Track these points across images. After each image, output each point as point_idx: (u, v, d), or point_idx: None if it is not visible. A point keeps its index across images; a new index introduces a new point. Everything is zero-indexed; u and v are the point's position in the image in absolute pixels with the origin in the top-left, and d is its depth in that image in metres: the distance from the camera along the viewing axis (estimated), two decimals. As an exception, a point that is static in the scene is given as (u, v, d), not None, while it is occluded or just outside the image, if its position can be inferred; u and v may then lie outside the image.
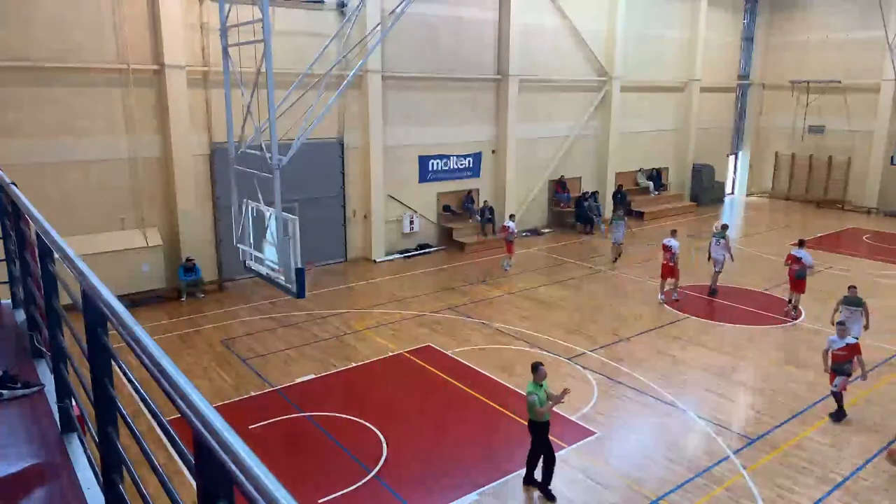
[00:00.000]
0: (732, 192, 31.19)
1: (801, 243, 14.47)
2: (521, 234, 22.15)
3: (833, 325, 10.64)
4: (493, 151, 21.42)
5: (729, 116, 30.12)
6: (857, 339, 10.33)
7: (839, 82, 27.07)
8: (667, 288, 15.42)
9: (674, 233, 15.60)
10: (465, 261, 19.12)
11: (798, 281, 14.18)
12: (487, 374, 11.23)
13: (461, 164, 20.74)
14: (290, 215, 10.96)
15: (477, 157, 21.06)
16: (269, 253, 11.57)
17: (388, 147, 18.78)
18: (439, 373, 11.32)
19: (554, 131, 22.89)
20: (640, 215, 25.08)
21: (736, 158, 31.32)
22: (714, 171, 28.59)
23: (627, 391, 10.72)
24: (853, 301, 11.49)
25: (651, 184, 26.41)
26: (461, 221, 20.80)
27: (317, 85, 12.28)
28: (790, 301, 14.41)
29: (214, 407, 1.37)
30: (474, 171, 21.12)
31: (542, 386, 7.82)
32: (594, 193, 23.48)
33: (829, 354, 9.84)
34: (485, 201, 20.98)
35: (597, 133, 24.37)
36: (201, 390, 1.46)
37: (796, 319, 14.13)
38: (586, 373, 11.36)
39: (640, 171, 26.51)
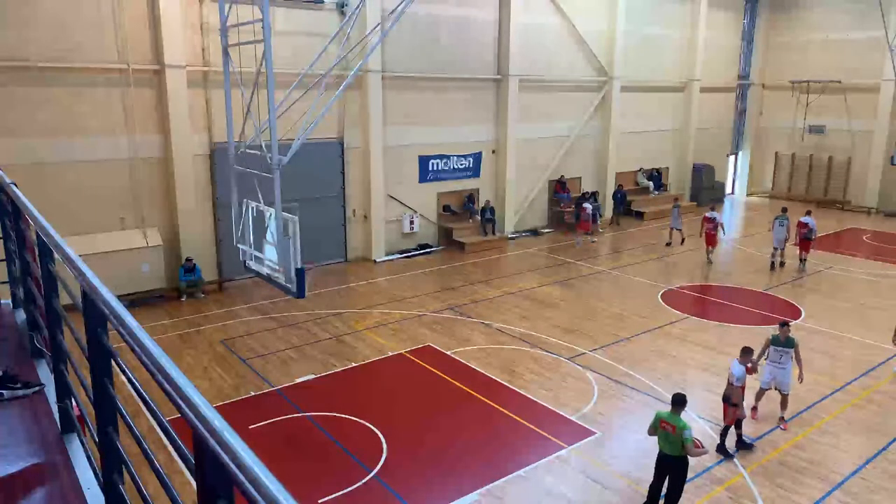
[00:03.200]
0: (733, 192, 31.20)
1: (808, 213, 18.69)
2: (523, 234, 22.16)
3: (751, 372, 8.98)
4: (494, 151, 21.43)
5: (729, 116, 30.12)
6: (784, 393, 9.37)
7: (839, 82, 27.07)
8: (708, 256, 19.00)
9: (713, 208, 19.60)
10: (466, 261, 19.13)
11: (805, 241, 18.12)
12: (488, 375, 11.23)
13: (461, 164, 20.74)
14: (290, 215, 10.96)
15: (477, 157, 21.07)
16: (269, 253, 11.57)
17: (388, 147, 18.78)
18: (439, 373, 11.32)
19: (554, 131, 22.89)
20: (639, 215, 25.08)
21: (736, 158, 31.33)
22: (714, 171, 28.60)
23: (628, 391, 10.72)
24: (783, 342, 9.50)
25: (651, 184, 26.41)
26: (461, 221, 20.80)
27: (317, 85, 12.28)
28: (800, 259, 18.28)
29: (214, 407, 1.37)
30: (474, 171, 21.13)
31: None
32: (594, 194, 23.46)
33: (739, 389, 8.71)
34: (487, 201, 20.99)
35: (597, 133, 24.36)
36: (201, 390, 1.46)
37: (804, 269, 17.96)
38: (586, 373, 11.37)
39: (640, 170, 26.51)
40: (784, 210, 19.04)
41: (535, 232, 22.63)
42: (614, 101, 24.06)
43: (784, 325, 9.61)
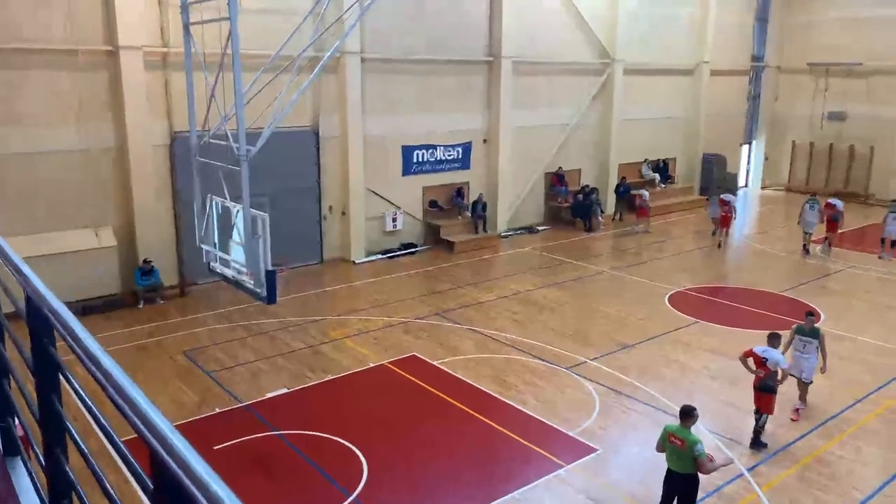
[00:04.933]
0: (746, 185, 31.50)
1: (836, 194, 21.75)
2: (517, 232, 22.24)
3: (790, 358, 10.12)
4: (485, 141, 21.49)
5: (742, 102, 30.41)
6: (806, 382, 10.20)
7: (860, 64, 27.42)
8: (720, 237, 20.90)
9: (729, 190, 22.80)
10: (454, 261, 19.17)
11: (832, 223, 19.83)
12: (479, 387, 11.27)
13: (449, 156, 20.77)
14: (259, 212, 10.92)
15: (466, 147, 21.11)
16: (237, 254, 11.52)
17: (368, 136, 18.77)
18: (426, 385, 11.34)
19: (551, 119, 22.98)
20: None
21: (749, 148, 31.63)
22: (726, 162, 28.86)
23: (632, 403, 10.79)
24: (808, 331, 10.36)
25: (657, 176, 26.59)
26: (449, 218, 20.84)
27: (289, 68, 12.25)
28: (827, 240, 20.02)
29: (175, 425, 1.37)
30: (463, 162, 21.16)
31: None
32: (593, 189, 23.58)
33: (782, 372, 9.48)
34: (480, 194, 21.04)
35: (598, 121, 24.49)
36: (161, 407, 1.46)
37: (830, 251, 19.72)
38: (587, 383, 11.43)
39: (645, 162, 26.69)
40: (813, 195, 21.30)
41: (530, 229, 22.72)
42: (617, 85, 24.20)
43: (810, 315, 10.66)
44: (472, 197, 21.20)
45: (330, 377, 11.70)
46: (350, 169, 18.52)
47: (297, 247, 17.99)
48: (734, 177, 29.53)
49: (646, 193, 23.00)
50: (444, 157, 20.67)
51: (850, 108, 28.26)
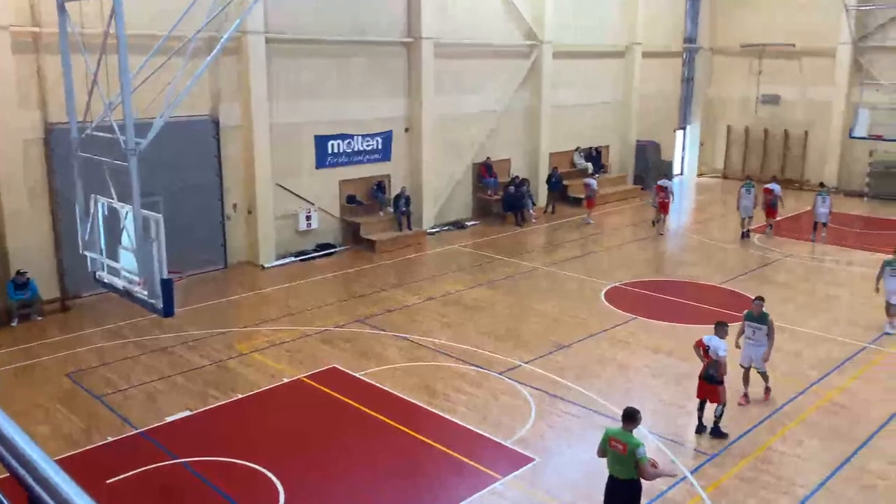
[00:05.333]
0: (681, 172, 32.80)
1: (774, 178, 23.25)
2: (444, 228, 22.39)
3: (738, 347, 10.94)
4: (407, 130, 21.55)
5: (675, 86, 31.64)
6: (761, 371, 10.92)
7: (794, 46, 29.01)
8: (659, 224, 22.29)
9: (665, 175, 24.18)
10: (377, 262, 19.15)
11: (771, 209, 21.58)
12: (406, 398, 11.29)
13: (368, 146, 20.70)
14: (152, 213, 10.54)
15: (387, 136, 21.09)
16: (127, 261, 11.08)
17: (275, 126, 18.47)
18: (347, 400, 11.28)
19: (477, 105, 23.25)
20: (577, 202, 25.88)
21: (684, 134, 32.93)
22: (660, 149, 29.96)
23: (571, 407, 11.04)
24: (757, 317, 11.01)
25: (590, 165, 27.29)
26: (370, 214, 20.78)
27: (183, 50, 11.87)
28: (769, 225, 21.76)
29: (58, 460, 1.31)
30: (384, 153, 21.14)
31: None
32: (524, 181, 23.99)
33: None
34: (402, 188, 21.05)
35: (527, 107, 24.94)
36: (41, 438, 1.39)
37: (772, 234, 21.47)
38: (521, 388, 11.62)
39: (577, 150, 27.37)
40: (749, 178, 22.79)
41: (458, 225, 22.93)
42: (546, 69, 24.71)
43: (758, 299, 11.14)
44: (395, 191, 21.20)
45: (238, 396, 11.46)
46: (256, 162, 18.16)
47: (198, 251, 17.50)
48: (669, 164, 30.64)
49: (593, 182, 23.78)
50: (362, 148, 20.57)
51: (783, 91, 29.88)
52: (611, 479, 7.68)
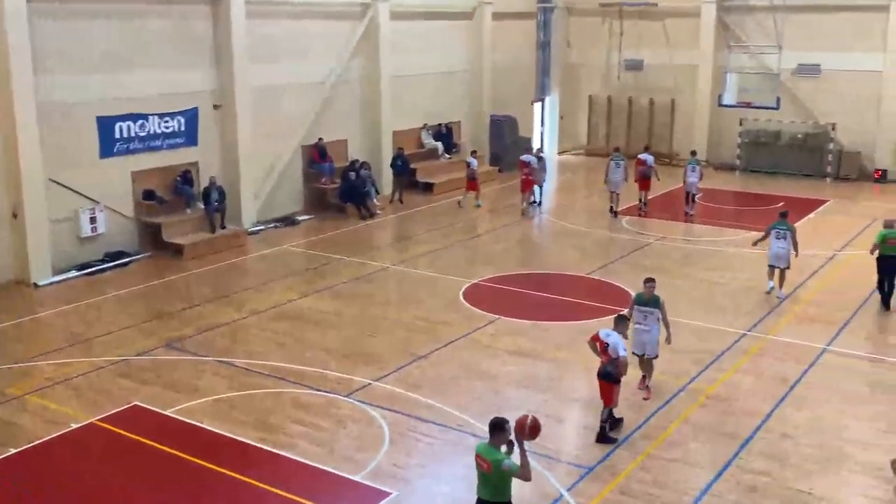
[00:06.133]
0: (542, 150, 34.01)
1: (646, 148, 24.69)
2: (271, 225, 21.98)
3: (625, 338, 11.20)
4: (216, 107, 21.07)
5: (530, 52, 32.81)
6: (651, 357, 11.81)
7: (655, 5, 30.99)
8: (524, 204, 23.67)
9: (528, 150, 25.81)
10: (186, 271, 18.56)
11: (644, 180, 23.26)
12: (232, 436, 10.95)
13: (167, 128, 20.02)
14: None
15: (191, 115, 20.49)
16: None
17: (44, 105, 17.35)
18: (156, 444, 10.77)
19: (304, 76, 23.01)
20: (428, 188, 26.22)
21: (542, 106, 34.23)
22: (517, 125, 30.96)
23: (430, 428, 11.11)
24: (648, 300, 11.85)
25: (440, 144, 27.75)
26: (174, 213, 20.18)
27: None
28: (640, 200, 23.46)
29: None
30: (189, 136, 20.53)
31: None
32: (364, 164, 24.01)
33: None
34: (213, 179, 20.48)
35: (363, 78, 24.97)
36: None
37: (646, 216, 22.92)
38: (373, 411, 11.59)
39: (424, 128, 27.71)
40: (617, 149, 24.43)
41: (288, 220, 22.63)
42: (383, 32, 24.82)
43: (648, 281, 11.90)
44: (204, 183, 20.62)
45: (11, 451, 10.64)
46: (20, 151, 16.96)
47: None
48: (528, 141, 31.69)
49: (474, 161, 24.35)
50: (159, 131, 19.82)
51: (647, 55, 31.83)
52: (479, 502, 7.75)
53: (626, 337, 10.99)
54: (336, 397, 12.09)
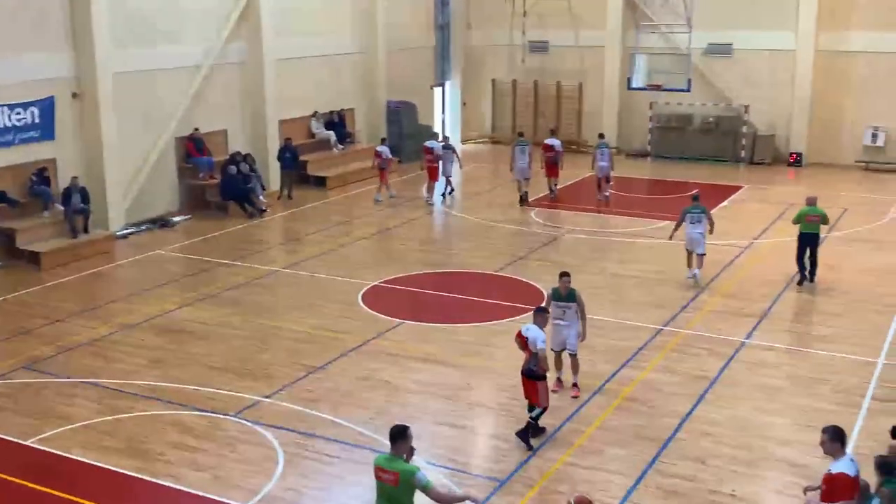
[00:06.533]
0: (445, 139, 34.22)
1: (552, 132, 25.38)
2: (142, 228, 21.60)
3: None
4: (75, 95, 20.58)
5: (428, 33, 32.91)
6: (572, 351, 12.28)
7: (559, -18, 31.56)
8: (428, 195, 24.49)
9: (434, 135, 27.57)
10: (45, 282, 18.04)
11: (552, 166, 24.09)
12: (104, 465, 10.69)
13: (19, 120, 19.47)
14: None
15: (46, 106, 19.97)
16: None
17: None
18: (15, 479, 10.39)
19: (176, 59, 22.62)
20: (320, 182, 26.03)
21: (443, 92, 34.43)
22: (417, 112, 31.11)
23: (328, 447, 11.04)
24: (565, 295, 12.28)
25: (332, 134, 27.63)
26: (29, 217, 19.74)
27: None
28: (550, 188, 24.29)
29: None
30: (44, 130, 20.00)
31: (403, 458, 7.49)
32: (246, 157, 23.70)
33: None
34: (74, 178, 19.96)
35: (244, 61, 24.65)
36: None
37: (556, 205, 23.80)
38: (264, 431, 11.45)
39: (314, 116, 27.52)
40: (521, 134, 25.20)
41: (162, 222, 22.25)
42: (265, 9, 24.54)
43: (564, 275, 12.32)
44: (64, 182, 20.06)
45: None
46: None
47: None
48: (429, 129, 31.81)
49: (386, 150, 24.85)
50: (9, 124, 19.21)
51: (552, 36, 32.39)
52: None
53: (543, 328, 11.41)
54: (222, 417, 11.90)
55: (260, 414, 11.95)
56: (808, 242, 16.58)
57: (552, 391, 11.83)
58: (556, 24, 32.17)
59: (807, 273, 16.75)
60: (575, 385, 12.38)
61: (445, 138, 27.01)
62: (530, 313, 11.48)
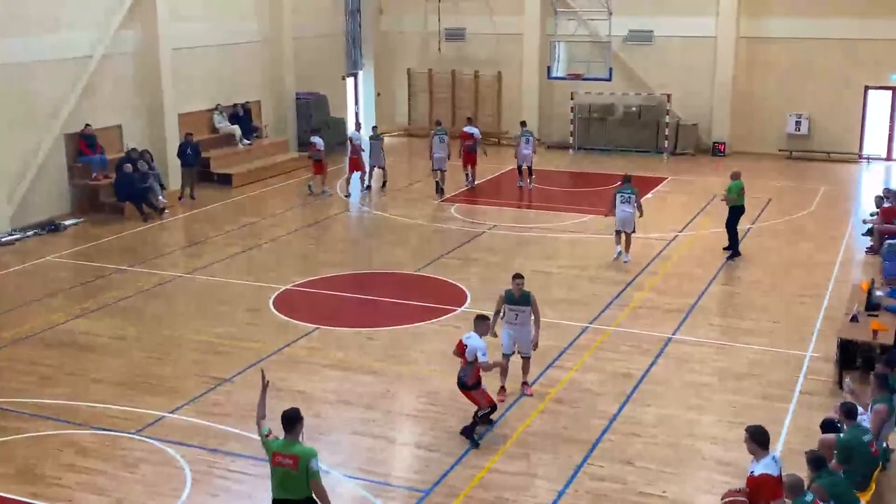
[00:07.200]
0: (358, 131, 34.09)
1: (469, 120, 26.96)
2: (28, 233, 20.98)
3: (495, 335, 12.17)
4: (-54, 91, 19.84)
5: (339, 18, 32.72)
6: (525, 356, 12.50)
7: (473, -34, 31.78)
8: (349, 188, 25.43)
9: (358, 126, 29.00)
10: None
11: (470, 154, 24.94)
12: (-9, 494, 10.32)
13: None
14: None
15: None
16: None
17: None
18: None
19: (62, 50, 22.05)
20: (225, 180, 25.68)
21: (356, 82, 34.31)
22: (328, 104, 30.97)
23: (238, 463, 10.93)
24: (518, 298, 12.44)
25: (237, 128, 27.28)
26: None
27: None
28: (466, 177, 25.23)
29: None
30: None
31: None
32: (143, 154, 23.26)
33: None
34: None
35: (138, 50, 24.20)
36: None
37: (473, 196, 24.68)
38: (169, 449, 11.28)
39: (217, 109, 27.15)
40: (439, 123, 25.94)
41: (51, 226, 21.67)
42: (158, -9, 24.07)
43: (517, 277, 12.50)
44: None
45: None
46: None
47: None
48: (341, 122, 31.76)
49: (319, 140, 25.06)
50: None
51: (469, 23, 32.60)
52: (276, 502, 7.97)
53: (494, 335, 11.67)
54: (121, 436, 11.65)
55: (164, 431, 11.74)
56: (741, 213, 18.53)
57: (498, 401, 11.91)
58: (473, 9, 32.41)
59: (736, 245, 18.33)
60: (525, 383, 12.64)
61: (374, 128, 27.02)
62: (450, 315, 11.56)
